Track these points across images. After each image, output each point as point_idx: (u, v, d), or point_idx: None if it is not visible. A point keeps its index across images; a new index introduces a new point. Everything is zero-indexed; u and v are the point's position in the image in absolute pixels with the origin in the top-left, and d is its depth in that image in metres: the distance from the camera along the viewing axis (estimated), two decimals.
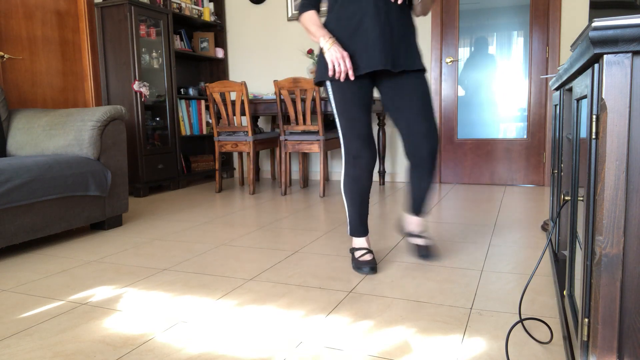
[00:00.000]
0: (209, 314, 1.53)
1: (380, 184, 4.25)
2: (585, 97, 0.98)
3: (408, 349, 1.27)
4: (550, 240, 1.81)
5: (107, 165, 2.70)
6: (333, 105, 1.91)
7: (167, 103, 4.10)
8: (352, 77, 1.77)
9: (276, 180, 4.70)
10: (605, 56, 0.77)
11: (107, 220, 2.72)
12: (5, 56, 3.18)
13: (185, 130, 4.42)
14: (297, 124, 3.65)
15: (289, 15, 4.59)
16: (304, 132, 3.70)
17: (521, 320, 1.18)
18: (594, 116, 0.82)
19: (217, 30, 4.86)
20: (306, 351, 1.27)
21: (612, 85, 0.77)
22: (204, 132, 4.66)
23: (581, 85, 1.03)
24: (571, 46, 1.53)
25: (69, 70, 3.67)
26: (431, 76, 4.19)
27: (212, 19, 4.74)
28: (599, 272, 0.82)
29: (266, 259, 2.10)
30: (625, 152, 0.78)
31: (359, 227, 1.98)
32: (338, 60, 1.75)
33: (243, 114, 3.96)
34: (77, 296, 1.71)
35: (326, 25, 1.87)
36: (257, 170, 4.73)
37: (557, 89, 1.81)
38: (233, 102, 3.93)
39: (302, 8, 1.89)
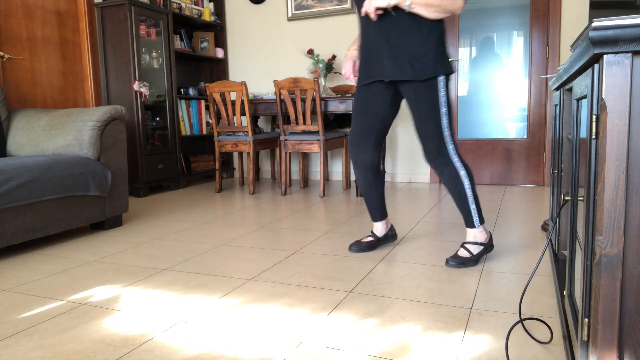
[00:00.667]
0: (209, 314, 1.53)
1: None
2: (585, 97, 0.98)
3: (408, 348, 1.27)
4: (550, 240, 1.81)
5: (107, 165, 2.70)
6: None
7: (167, 103, 4.10)
8: (352, 82, 2.11)
9: (276, 180, 4.70)
10: (605, 56, 0.77)
11: (107, 220, 2.72)
12: (5, 56, 3.18)
13: (185, 130, 4.42)
14: (297, 124, 3.65)
15: (289, 15, 4.59)
16: (304, 132, 3.70)
17: (521, 320, 1.18)
18: (594, 116, 0.82)
19: (217, 30, 4.86)
20: (306, 351, 1.27)
21: (612, 85, 0.77)
22: (204, 132, 4.66)
23: (581, 85, 1.03)
24: (571, 46, 1.53)
25: (69, 70, 3.67)
26: None
27: (212, 19, 4.74)
28: (599, 272, 0.82)
29: (266, 259, 2.10)
30: (625, 152, 0.78)
31: (370, 212, 2.23)
32: (343, 66, 2.12)
33: (243, 114, 3.96)
34: (77, 296, 1.71)
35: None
36: (257, 170, 4.73)
37: (557, 89, 1.81)
38: (233, 102, 3.93)
39: None
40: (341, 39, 4.44)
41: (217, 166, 3.98)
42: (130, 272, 1.96)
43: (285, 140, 3.70)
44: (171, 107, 4.12)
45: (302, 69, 4.64)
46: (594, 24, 0.74)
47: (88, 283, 1.84)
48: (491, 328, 1.38)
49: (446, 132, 1.93)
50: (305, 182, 4.28)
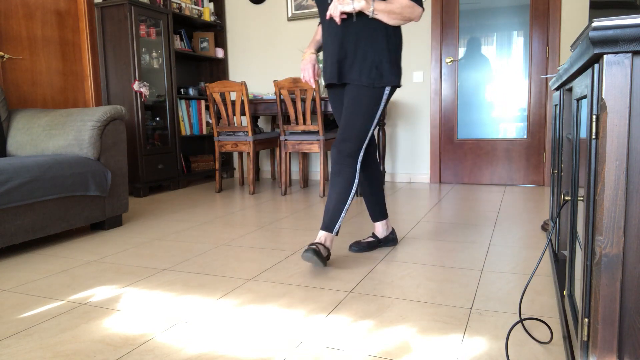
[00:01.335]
0: (209, 314, 1.53)
1: None
2: (585, 97, 0.98)
3: (408, 349, 1.27)
4: (550, 240, 1.81)
5: (107, 165, 2.70)
6: None
7: (167, 103, 4.10)
8: (313, 85, 2.30)
9: (276, 180, 4.70)
10: (605, 56, 0.77)
11: (107, 220, 2.72)
12: (5, 56, 3.18)
13: (185, 130, 4.42)
14: (297, 124, 3.65)
15: (289, 15, 4.59)
16: (304, 132, 3.70)
17: (521, 320, 1.18)
18: (594, 116, 0.82)
19: (217, 30, 4.86)
20: (306, 351, 1.27)
21: (612, 85, 0.77)
22: (204, 132, 4.66)
23: (581, 85, 1.03)
24: (571, 46, 1.53)
25: (69, 70, 3.67)
26: (431, 76, 4.19)
27: (212, 19, 4.74)
28: (599, 272, 0.82)
29: (266, 259, 2.10)
30: (625, 152, 0.78)
31: (368, 212, 2.26)
32: (302, 69, 2.09)
33: (243, 114, 3.96)
34: (77, 296, 1.71)
35: None
36: (257, 170, 4.73)
37: (557, 89, 1.81)
38: (233, 102, 3.93)
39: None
40: None
41: (217, 166, 3.98)
42: (130, 272, 1.96)
43: (285, 140, 3.70)
44: (171, 107, 4.12)
45: None
46: (594, 24, 0.74)
47: (88, 283, 1.84)
48: (491, 328, 1.38)
49: (366, 141, 1.99)
50: (305, 182, 4.28)
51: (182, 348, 1.30)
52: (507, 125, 4.08)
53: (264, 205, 3.35)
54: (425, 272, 1.87)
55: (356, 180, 1.98)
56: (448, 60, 4.14)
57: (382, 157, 4.23)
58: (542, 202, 3.25)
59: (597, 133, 0.81)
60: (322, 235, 1.96)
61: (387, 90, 1.96)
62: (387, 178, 4.48)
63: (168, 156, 4.09)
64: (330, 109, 3.67)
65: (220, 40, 4.89)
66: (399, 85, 2.00)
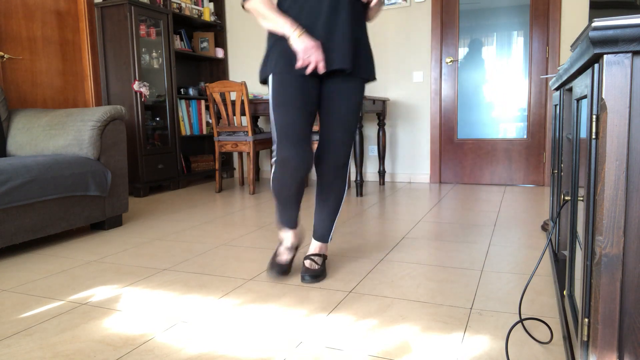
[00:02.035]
0: (209, 314, 1.53)
1: (380, 184, 4.25)
2: (585, 97, 0.98)
3: (408, 349, 1.27)
4: (550, 240, 1.81)
5: (107, 165, 2.70)
6: (271, 101, 1.69)
7: (167, 103, 4.10)
8: (322, 70, 1.59)
9: None
10: (605, 56, 0.77)
11: (107, 220, 2.72)
12: (5, 56, 3.18)
13: (185, 130, 4.42)
14: None
15: None
16: None
17: (521, 320, 1.18)
18: (594, 116, 0.82)
19: (217, 30, 4.86)
20: (306, 351, 1.27)
21: (612, 85, 0.77)
22: (204, 132, 4.66)
23: (581, 85, 1.03)
24: (571, 46, 1.53)
25: (69, 70, 3.67)
26: (431, 76, 4.19)
27: (212, 19, 4.74)
28: (599, 272, 0.82)
29: (266, 259, 2.10)
30: (625, 152, 0.78)
31: (286, 218, 1.84)
32: (309, 50, 1.56)
33: (243, 114, 3.96)
34: (77, 296, 1.71)
35: (286, 12, 1.66)
36: (257, 170, 4.73)
37: (557, 89, 1.81)
38: (233, 102, 3.93)
39: None
40: None
41: (217, 166, 3.97)
42: (130, 272, 1.96)
43: None
44: (171, 107, 4.12)
45: None
46: (594, 24, 0.74)
47: (88, 283, 1.84)
48: (491, 328, 1.38)
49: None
50: (305, 182, 4.27)
51: (182, 348, 1.30)
52: (507, 125, 4.08)
53: (264, 205, 3.35)
54: (425, 272, 1.87)
55: (346, 187, 1.92)
56: (448, 60, 4.13)
57: (382, 157, 4.23)
58: (542, 202, 3.25)
59: (597, 133, 0.81)
60: (316, 246, 1.90)
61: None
62: (387, 178, 4.48)
63: (168, 156, 4.09)
64: None
65: (220, 40, 4.88)
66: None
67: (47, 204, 2.35)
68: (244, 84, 3.62)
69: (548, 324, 1.30)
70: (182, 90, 4.48)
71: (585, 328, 0.87)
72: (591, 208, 0.85)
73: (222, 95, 4.15)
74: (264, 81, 1.76)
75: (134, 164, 3.80)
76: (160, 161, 3.99)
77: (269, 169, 4.94)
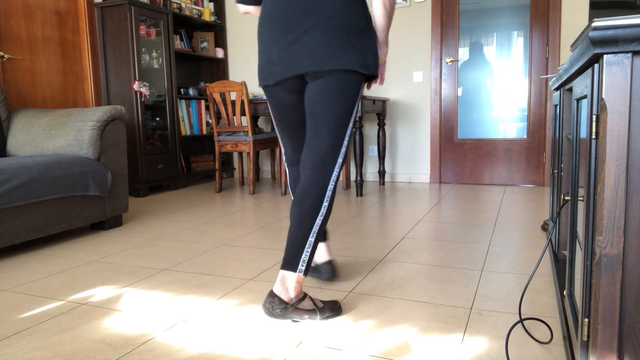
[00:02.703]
0: (209, 314, 1.53)
1: (380, 184, 4.25)
2: (585, 97, 0.98)
3: (408, 349, 1.27)
4: (550, 240, 1.81)
5: (107, 165, 2.70)
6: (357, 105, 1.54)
7: (167, 103, 4.10)
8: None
9: (276, 180, 4.69)
10: (605, 56, 0.77)
11: (107, 220, 2.72)
12: (5, 56, 3.18)
13: (185, 130, 4.42)
14: None
15: None
16: None
17: (521, 320, 1.18)
18: (594, 116, 0.82)
19: (217, 30, 4.86)
20: (306, 351, 1.27)
21: (612, 85, 0.77)
22: (204, 132, 4.66)
23: (581, 85, 1.03)
24: (571, 46, 1.53)
25: (69, 70, 3.67)
26: (431, 76, 4.19)
27: (212, 19, 4.74)
28: (599, 272, 0.82)
29: (266, 259, 2.10)
30: (625, 152, 0.78)
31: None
32: None
33: (243, 114, 3.96)
34: (77, 296, 1.71)
35: None
36: (257, 170, 4.73)
37: (557, 89, 1.81)
38: (233, 102, 3.93)
39: None
40: None
41: (217, 166, 3.97)
42: (130, 272, 1.96)
43: None
44: (171, 107, 4.12)
45: None
46: (594, 24, 0.74)
47: (88, 283, 1.84)
48: (491, 328, 1.38)
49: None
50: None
51: (182, 348, 1.30)
52: (507, 125, 4.08)
53: (264, 205, 3.35)
54: (425, 272, 1.87)
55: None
56: (448, 60, 4.13)
57: (382, 157, 4.23)
58: (542, 202, 3.25)
59: (597, 133, 0.81)
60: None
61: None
62: (387, 178, 4.48)
63: (168, 156, 4.09)
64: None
65: (220, 40, 4.88)
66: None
67: (47, 204, 2.34)
68: (244, 84, 3.62)
69: (548, 324, 1.30)
70: (182, 90, 4.48)
71: (585, 328, 0.87)
72: (591, 208, 0.85)
73: (222, 95, 4.15)
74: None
75: (134, 164, 3.80)
76: (160, 161, 3.99)
77: (269, 169, 4.94)
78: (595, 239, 0.82)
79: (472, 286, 1.71)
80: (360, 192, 3.67)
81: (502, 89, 4.05)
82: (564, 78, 1.29)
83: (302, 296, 1.43)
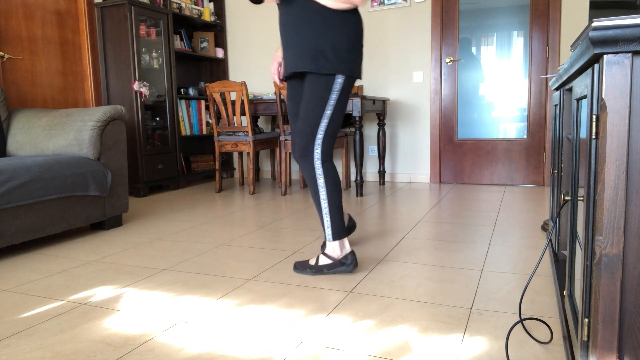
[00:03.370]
0: (209, 314, 1.53)
1: (380, 184, 4.25)
2: (585, 97, 0.98)
3: (408, 349, 1.27)
4: (550, 240, 1.81)
5: (107, 165, 2.70)
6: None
7: (167, 103, 4.10)
8: (278, 84, 1.94)
9: (276, 180, 4.70)
10: (605, 56, 0.77)
11: (107, 220, 2.72)
12: (5, 56, 3.18)
13: (185, 130, 4.42)
14: None
15: None
16: None
17: (521, 320, 1.18)
18: (594, 116, 0.82)
19: (217, 30, 4.86)
20: (306, 351, 1.27)
21: (612, 85, 0.77)
22: (204, 132, 4.66)
23: (581, 85, 1.03)
24: (571, 46, 1.53)
25: (69, 70, 3.67)
26: (431, 76, 4.19)
27: (212, 19, 4.74)
28: (599, 272, 0.82)
29: (266, 259, 2.10)
30: (625, 152, 0.78)
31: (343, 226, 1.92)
32: (272, 64, 2.01)
33: (243, 114, 3.96)
34: (77, 296, 1.71)
35: None
36: (257, 170, 4.73)
37: (557, 89, 1.81)
38: (233, 102, 3.93)
39: None
40: None
41: (217, 166, 3.97)
42: (130, 272, 1.96)
43: (285, 140, 3.70)
44: (171, 107, 4.12)
45: None
46: (594, 24, 0.74)
47: (88, 283, 1.84)
48: (491, 328, 1.38)
49: (320, 135, 1.82)
50: (305, 182, 4.28)
51: (182, 348, 1.30)
52: (507, 125, 4.08)
53: (264, 205, 3.35)
54: (425, 272, 1.87)
55: (320, 180, 1.84)
56: (448, 60, 4.13)
57: (382, 157, 4.23)
58: (542, 202, 3.25)
59: (597, 133, 0.81)
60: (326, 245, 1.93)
61: (339, 79, 1.79)
62: (387, 178, 4.48)
63: (168, 156, 4.09)
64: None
65: (220, 40, 4.88)
66: (353, 76, 1.81)
67: (47, 204, 2.35)
68: (244, 84, 3.62)
69: (548, 324, 1.30)
70: (182, 90, 4.48)
71: (585, 328, 0.87)
72: (591, 208, 0.85)
73: (222, 95, 4.15)
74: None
75: (134, 164, 3.80)
76: (160, 161, 3.99)
77: (269, 169, 4.94)
78: (595, 239, 0.82)
79: (472, 286, 1.71)
80: (360, 192, 3.67)
81: (502, 89, 4.05)
82: (564, 78, 1.29)
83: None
